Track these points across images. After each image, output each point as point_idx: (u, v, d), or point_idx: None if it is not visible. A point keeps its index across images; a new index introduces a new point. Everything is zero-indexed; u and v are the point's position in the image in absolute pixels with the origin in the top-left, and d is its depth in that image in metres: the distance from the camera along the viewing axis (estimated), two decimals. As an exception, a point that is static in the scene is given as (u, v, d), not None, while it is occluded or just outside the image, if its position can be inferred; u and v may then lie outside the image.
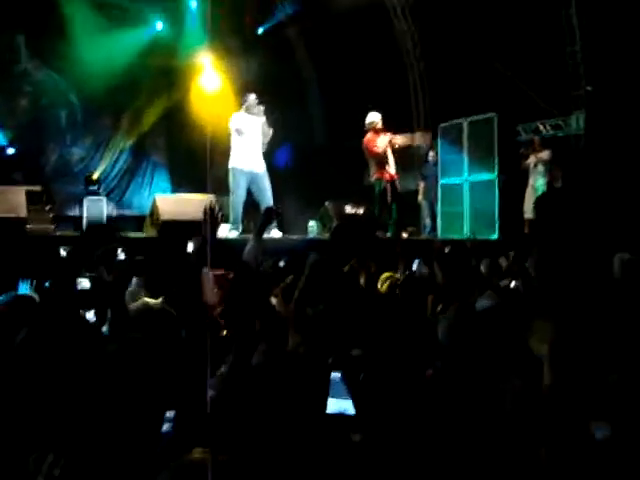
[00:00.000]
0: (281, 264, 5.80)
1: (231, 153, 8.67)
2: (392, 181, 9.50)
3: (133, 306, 3.04)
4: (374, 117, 9.39)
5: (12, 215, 7.57)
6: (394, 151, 9.42)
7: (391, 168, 9.46)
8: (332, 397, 2.61)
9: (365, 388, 2.52)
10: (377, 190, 9.52)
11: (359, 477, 2.17)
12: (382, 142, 9.35)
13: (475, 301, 3.89)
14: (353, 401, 2.55)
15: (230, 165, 8.63)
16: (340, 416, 2.57)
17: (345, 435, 2.39)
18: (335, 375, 2.71)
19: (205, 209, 3.80)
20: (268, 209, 5.30)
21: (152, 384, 2.54)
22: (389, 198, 9.40)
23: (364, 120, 9.47)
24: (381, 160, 9.39)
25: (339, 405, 2.60)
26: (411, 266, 6.30)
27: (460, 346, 2.87)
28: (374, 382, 2.52)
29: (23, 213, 7.79)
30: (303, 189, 10.65)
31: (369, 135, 9.41)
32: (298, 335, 3.26)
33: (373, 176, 9.54)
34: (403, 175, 10.60)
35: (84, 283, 4.16)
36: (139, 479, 2.09)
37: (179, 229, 7.80)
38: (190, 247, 5.95)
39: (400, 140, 9.56)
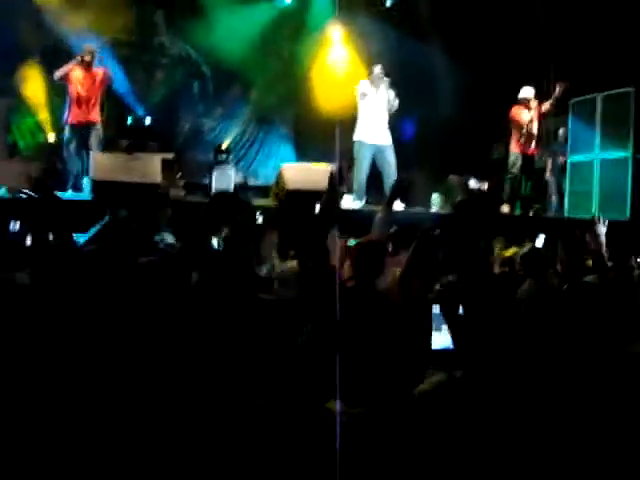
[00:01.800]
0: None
1: (357, 125, 8.79)
2: (530, 156, 9.48)
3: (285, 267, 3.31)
4: (528, 93, 9.40)
5: (148, 181, 8.02)
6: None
7: (532, 143, 9.45)
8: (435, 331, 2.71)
9: (464, 323, 2.58)
10: (511, 160, 9.52)
11: (463, 411, 2.26)
12: (528, 116, 9.34)
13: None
14: (452, 336, 2.62)
15: (355, 137, 8.75)
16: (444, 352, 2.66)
17: (449, 371, 2.48)
18: (435, 309, 2.79)
19: (332, 174, 3.94)
20: (399, 180, 5.37)
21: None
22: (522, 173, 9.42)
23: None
24: (523, 134, 9.35)
25: (442, 340, 2.68)
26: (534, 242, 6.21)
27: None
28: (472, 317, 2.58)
29: (158, 179, 8.23)
30: (427, 162, 10.59)
31: (517, 107, 9.41)
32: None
33: (513, 149, 9.54)
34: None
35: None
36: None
37: (305, 198, 7.99)
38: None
39: (547, 104, 9.62)
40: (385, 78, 8.77)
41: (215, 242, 4.62)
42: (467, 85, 11.04)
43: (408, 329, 3.01)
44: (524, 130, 9.47)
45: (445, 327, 2.80)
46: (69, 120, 8.96)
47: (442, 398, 1.98)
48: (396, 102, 8.78)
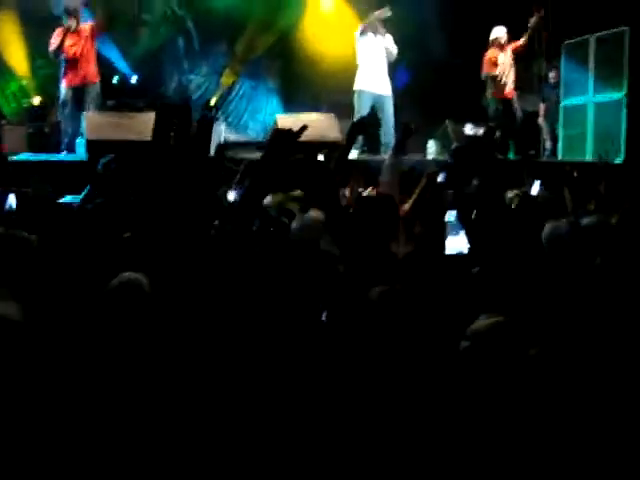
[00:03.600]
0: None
1: (357, 75, 8.74)
2: (509, 100, 9.38)
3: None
4: (499, 32, 9.23)
5: (145, 138, 7.90)
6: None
7: (508, 87, 9.34)
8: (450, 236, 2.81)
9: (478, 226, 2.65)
10: (492, 109, 9.44)
11: (479, 305, 2.30)
12: (503, 59, 9.21)
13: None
14: (468, 238, 2.70)
15: (356, 87, 8.70)
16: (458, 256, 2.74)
17: (464, 270, 2.55)
18: (450, 214, 2.88)
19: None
20: (406, 125, 5.29)
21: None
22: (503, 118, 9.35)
23: (485, 35, 9.28)
24: (499, 78, 9.26)
25: (455, 244, 2.77)
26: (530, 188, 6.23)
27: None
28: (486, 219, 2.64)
29: (153, 137, 8.11)
30: (421, 108, 10.47)
31: (491, 51, 9.26)
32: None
33: (489, 94, 9.45)
34: (522, 96, 10.32)
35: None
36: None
37: (300, 148, 7.92)
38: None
39: (521, 41, 9.42)
40: (383, 28, 8.67)
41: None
42: (460, 29, 10.89)
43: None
44: (500, 73, 9.33)
45: (460, 232, 2.88)
46: (65, 83, 8.78)
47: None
48: (395, 49, 8.69)
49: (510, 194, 5.08)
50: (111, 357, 2.28)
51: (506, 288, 2.41)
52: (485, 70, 9.45)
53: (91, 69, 8.74)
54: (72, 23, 8.52)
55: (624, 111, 9.75)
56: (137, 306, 2.44)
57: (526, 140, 10.25)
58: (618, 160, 9.56)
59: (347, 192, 5.15)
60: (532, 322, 2.22)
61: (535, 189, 6.30)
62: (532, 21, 9.46)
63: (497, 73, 9.31)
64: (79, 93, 8.67)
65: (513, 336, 2.00)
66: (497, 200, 4.09)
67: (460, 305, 2.43)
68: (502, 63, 9.29)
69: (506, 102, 9.53)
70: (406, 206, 3.89)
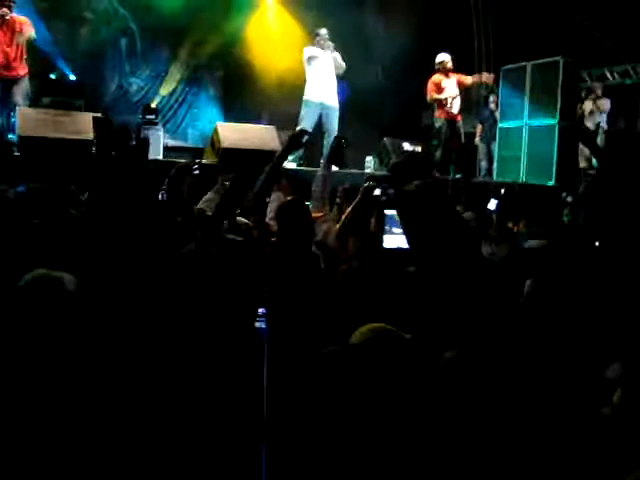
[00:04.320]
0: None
1: (306, 86, 8.79)
2: (453, 121, 9.55)
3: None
4: (444, 57, 9.43)
5: (81, 137, 7.74)
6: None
7: (453, 109, 9.51)
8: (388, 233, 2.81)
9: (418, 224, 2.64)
10: (436, 128, 9.60)
11: (415, 303, 2.32)
12: (447, 83, 9.39)
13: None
14: (406, 236, 2.69)
15: (305, 97, 8.75)
16: (397, 250, 2.74)
17: (401, 267, 2.56)
18: (391, 212, 2.87)
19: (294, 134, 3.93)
20: (338, 138, 5.33)
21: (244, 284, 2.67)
22: (447, 138, 9.50)
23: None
24: (444, 102, 9.45)
25: (396, 241, 2.77)
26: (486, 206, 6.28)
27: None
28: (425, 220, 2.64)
29: (90, 136, 7.94)
30: (360, 125, 10.61)
31: (436, 76, 9.44)
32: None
33: (436, 115, 9.62)
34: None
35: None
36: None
37: (239, 157, 7.91)
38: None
39: (470, 80, 9.62)
40: (329, 42, 8.73)
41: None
42: (400, 51, 11.09)
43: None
44: (444, 95, 9.52)
45: (398, 230, 2.88)
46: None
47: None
48: (343, 64, 8.78)
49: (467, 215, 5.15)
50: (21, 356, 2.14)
51: (441, 290, 2.42)
52: (430, 93, 9.60)
53: (20, 64, 8.46)
54: (2, 12, 8.23)
55: (556, 137, 10.07)
56: (53, 306, 2.26)
57: (464, 160, 10.47)
58: (549, 183, 9.88)
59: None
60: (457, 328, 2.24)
61: (492, 205, 6.37)
62: (484, 77, 9.74)
63: (442, 97, 9.48)
64: (7, 87, 8.39)
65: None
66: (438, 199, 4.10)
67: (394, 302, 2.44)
68: (446, 87, 9.48)
69: (451, 123, 9.71)
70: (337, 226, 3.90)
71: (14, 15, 8.39)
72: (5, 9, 8.24)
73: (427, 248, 2.51)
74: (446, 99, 9.43)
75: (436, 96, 9.50)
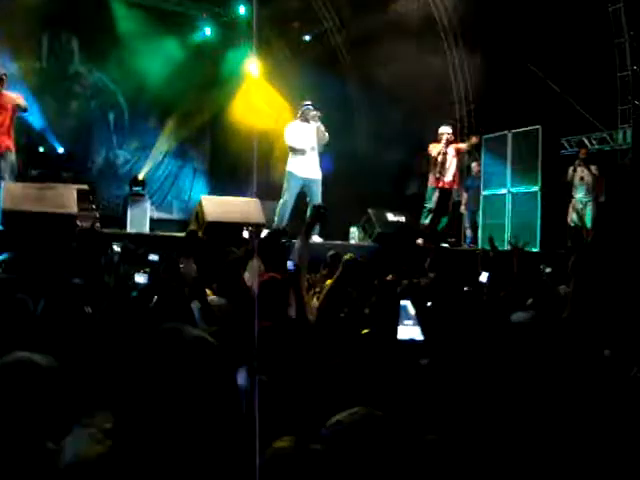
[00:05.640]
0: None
1: (288, 158, 8.84)
2: (446, 190, 9.66)
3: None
4: (445, 129, 9.60)
5: (64, 211, 7.75)
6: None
7: (447, 177, 9.64)
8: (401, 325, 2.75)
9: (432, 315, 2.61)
10: (428, 196, 9.68)
11: (427, 398, 2.26)
12: (439, 149, 9.56)
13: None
14: (421, 328, 2.66)
15: (287, 169, 8.80)
16: (410, 343, 2.68)
17: (414, 360, 2.50)
18: (404, 303, 2.82)
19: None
20: (316, 207, 5.26)
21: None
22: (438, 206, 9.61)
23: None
24: (436, 167, 9.58)
25: (409, 332, 2.71)
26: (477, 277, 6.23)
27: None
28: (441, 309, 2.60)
29: (74, 210, 7.95)
30: (344, 196, 10.67)
31: (433, 145, 9.64)
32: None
33: (429, 183, 9.73)
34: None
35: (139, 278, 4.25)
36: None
37: (224, 230, 7.92)
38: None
39: (464, 145, 9.96)
40: (315, 112, 8.81)
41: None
42: (384, 121, 11.27)
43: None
44: (436, 163, 9.65)
45: (409, 322, 2.82)
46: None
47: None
48: (326, 135, 8.82)
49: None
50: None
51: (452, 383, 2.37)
52: (429, 160, 9.79)
53: (8, 137, 8.53)
54: None
55: (539, 202, 10.18)
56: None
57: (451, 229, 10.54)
58: (534, 249, 9.90)
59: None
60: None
61: (484, 278, 6.31)
62: (473, 139, 9.93)
63: (437, 162, 9.61)
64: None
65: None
66: (453, 293, 4.08)
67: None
68: (440, 153, 9.60)
69: (444, 192, 9.79)
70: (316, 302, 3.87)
71: (5, 91, 8.49)
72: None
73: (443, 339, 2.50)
74: (438, 167, 9.58)
75: (429, 157, 9.71)
